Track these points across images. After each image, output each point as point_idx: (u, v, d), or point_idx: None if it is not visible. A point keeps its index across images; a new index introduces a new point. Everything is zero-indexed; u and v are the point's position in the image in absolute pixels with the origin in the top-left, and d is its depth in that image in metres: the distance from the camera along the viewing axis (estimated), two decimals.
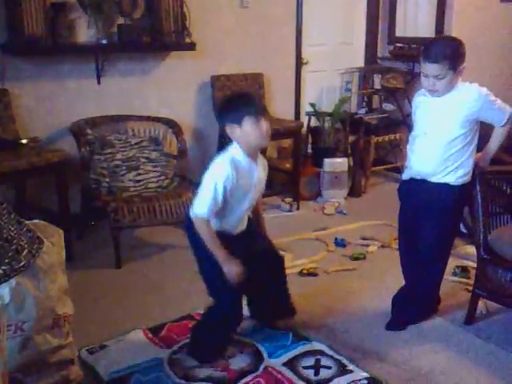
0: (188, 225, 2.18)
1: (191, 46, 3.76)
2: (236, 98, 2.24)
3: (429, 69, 2.26)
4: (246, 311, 2.42)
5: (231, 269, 2.10)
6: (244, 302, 2.36)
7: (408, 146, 2.53)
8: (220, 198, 2.07)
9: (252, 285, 2.30)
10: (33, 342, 1.47)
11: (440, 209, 2.41)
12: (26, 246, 0.99)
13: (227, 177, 2.07)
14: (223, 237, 2.16)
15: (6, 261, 0.93)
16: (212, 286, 2.24)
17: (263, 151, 4.16)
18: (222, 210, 2.13)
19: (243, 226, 2.29)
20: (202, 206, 2.08)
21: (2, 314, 1.32)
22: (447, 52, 2.24)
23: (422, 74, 2.32)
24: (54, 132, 3.52)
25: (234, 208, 2.17)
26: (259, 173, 2.21)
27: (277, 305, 2.50)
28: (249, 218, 2.34)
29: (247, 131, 2.09)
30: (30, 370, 1.46)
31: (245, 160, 2.14)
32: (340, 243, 3.51)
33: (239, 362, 2.30)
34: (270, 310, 2.51)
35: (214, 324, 2.27)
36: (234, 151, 2.14)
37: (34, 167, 2.96)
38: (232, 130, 2.11)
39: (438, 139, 2.35)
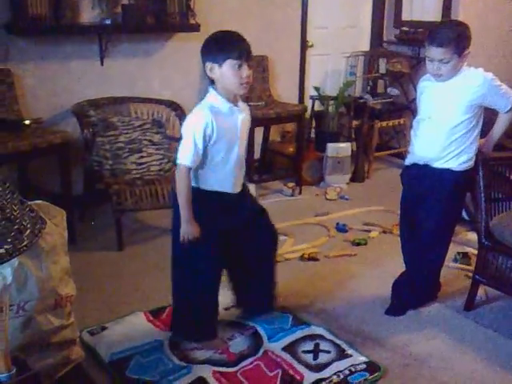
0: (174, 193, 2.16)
1: (195, 28, 3.73)
2: (222, 36, 2.04)
3: (434, 53, 2.25)
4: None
5: (188, 230, 2.05)
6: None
7: (412, 131, 2.52)
8: (201, 145, 1.99)
9: (239, 263, 2.32)
10: (35, 321, 1.48)
11: (442, 194, 2.41)
12: (28, 226, 0.99)
13: (206, 124, 1.98)
14: (221, 199, 2.11)
15: (9, 240, 0.93)
16: (184, 256, 2.16)
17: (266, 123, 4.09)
18: (211, 162, 2.06)
19: (239, 184, 2.17)
20: (183, 155, 2.02)
21: (4, 294, 1.33)
22: (453, 36, 2.22)
23: (426, 58, 2.31)
24: (57, 113, 3.51)
25: (224, 159, 2.07)
26: (243, 117, 2.10)
27: (261, 293, 2.43)
28: (243, 187, 2.24)
29: (226, 74, 1.98)
30: (32, 350, 1.47)
31: (225, 105, 2.04)
32: (341, 228, 3.52)
33: (239, 345, 2.31)
34: (254, 298, 2.44)
35: (194, 298, 2.21)
36: (212, 98, 2.04)
37: (36, 148, 2.96)
38: (211, 69, 2.00)
39: (442, 124, 2.34)
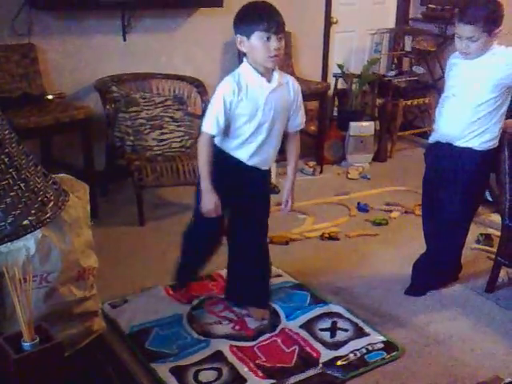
0: None
1: (219, 2, 3.68)
2: (251, 8, 1.99)
3: (463, 30, 2.19)
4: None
5: (208, 201, 2.05)
6: None
7: (437, 109, 2.48)
8: (222, 114, 1.98)
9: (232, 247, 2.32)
10: (58, 293, 1.50)
11: (463, 174, 2.37)
12: (51, 198, 1.00)
13: (231, 92, 1.96)
14: (235, 166, 2.08)
15: (33, 212, 0.94)
16: (196, 209, 2.23)
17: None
18: (232, 127, 2.03)
19: (262, 161, 2.11)
20: (207, 122, 2.02)
21: (27, 265, 1.36)
22: (483, 14, 2.15)
23: (455, 35, 2.25)
24: (79, 88, 3.52)
25: (247, 129, 2.03)
26: (274, 90, 2.03)
27: (252, 288, 2.36)
28: (266, 176, 2.22)
29: (254, 46, 1.94)
30: (55, 320, 1.49)
31: (253, 76, 2.00)
32: (363, 208, 3.49)
33: (256, 322, 2.33)
34: (244, 293, 2.38)
35: (186, 243, 2.39)
36: (242, 67, 2.02)
37: (59, 123, 2.98)
38: (241, 42, 1.98)
39: (467, 102, 2.30)
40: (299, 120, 2.18)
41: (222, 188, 2.09)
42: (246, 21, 1.96)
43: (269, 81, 2.02)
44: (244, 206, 2.19)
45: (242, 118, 2.02)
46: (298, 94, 2.14)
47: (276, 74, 2.04)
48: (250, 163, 2.10)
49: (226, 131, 2.05)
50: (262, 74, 2.01)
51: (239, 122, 2.03)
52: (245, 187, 2.14)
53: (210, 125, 2.01)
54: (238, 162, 2.09)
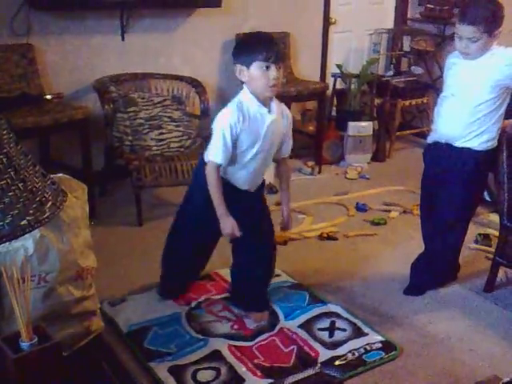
0: (198, 166, 2.24)
1: (217, 3, 3.69)
2: (250, 38, 2.07)
3: (463, 30, 2.19)
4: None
5: (227, 225, 2.07)
6: None
7: (435, 109, 2.48)
8: (230, 143, 2.01)
9: (236, 263, 2.35)
10: (56, 293, 1.50)
11: (462, 174, 2.38)
12: (50, 198, 1.00)
13: (236, 120, 1.99)
14: (229, 190, 2.10)
15: (31, 212, 0.94)
16: (178, 219, 2.34)
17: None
18: (232, 156, 2.07)
19: (253, 185, 2.18)
20: (214, 152, 2.03)
21: (26, 265, 1.36)
22: (484, 14, 2.16)
23: (455, 35, 2.25)
24: (78, 88, 3.52)
25: (244, 156, 2.08)
26: (273, 121, 2.06)
27: (252, 295, 2.38)
28: (260, 192, 2.26)
29: (253, 76, 1.98)
30: (54, 320, 1.49)
31: (254, 105, 2.03)
32: (361, 208, 3.50)
33: (257, 323, 2.33)
34: (245, 298, 2.40)
35: (169, 248, 2.42)
36: (243, 95, 2.04)
37: (57, 123, 2.98)
38: (240, 71, 2.01)
39: (466, 102, 2.30)
40: (289, 145, 2.24)
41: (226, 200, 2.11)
42: (246, 51, 2.00)
43: (269, 111, 2.05)
44: (245, 222, 2.17)
45: (241, 145, 2.05)
46: (291, 123, 2.20)
47: (273, 105, 2.07)
48: (246, 188, 2.17)
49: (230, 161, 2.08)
50: (261, 102, 2.04)
51: (238, 149, 2.07)
52: (243, 208, 2.16)
53: (218, 154, 2.03)
54: (233, 187, 2.14)
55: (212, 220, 2.10)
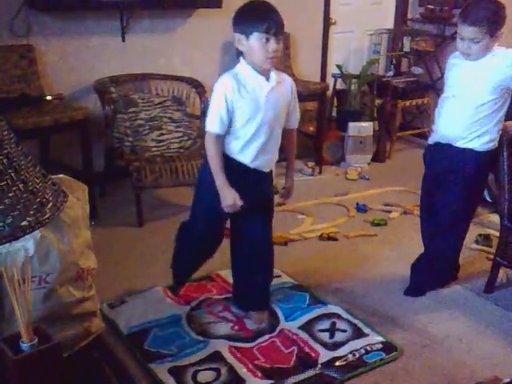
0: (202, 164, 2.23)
1: (217, 3, 3.69)
2: (251, 8, 1.98)
3: (465, 31, 2.19)
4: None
5: (227, 196, 2.03)
6: None
7: (436, 110, 2.48)
8: (224, 111, 1.97)
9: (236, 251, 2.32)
10: (56, 293, 1.50)
11: (463, 175, 2.38)
12: (50, 199, 0.99)
13: (230, 89, 1.95)
14: (239, 169, 2.06)
15: (31, 213, 0.94)
16: (195, 208, 2.30)
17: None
18: (233, 128, 2.02)
19: (263, 162, 2.10)
20: (210, 121, 2.01)
21: (27, 266, 1.35)
22: (486, 15, 2.15)
23: (457, 36, 2.25)
24: (78, 89, 3.52)
25: (245, 127, 2.02)
26: (273, 89, 2.01)
27: (253, 292, 2.34)
28: (270, 178, 2.20)
29: (252, 47, 1.93)
30: (54, 321, 1.49)
31: (251, 75, 1.98)
32: (361, 208, 3.50)
33: (255, 323, 2.33)
34: (245, 296, 2.37)
35: (181, 240, 2.39)
36: (240, 66, 2.01)
37: (58, 124, 2.98)
38: (239, 41, 1.96)
39: (467, 103, 2.30)
40: (296, 116, 2.20)
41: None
42: (245, 20, 1.94)
43: (267, 79, 2.01)
44: (248, 208, 2.14)
45: (242, 117, 2.01)
46: (295, 92, 2.15)
47: (273, 73, 2.03)
48: (252, 166, 2.09)
49: (228, 132, 2.04)
50: (259, 72, 2.00)
51: (240, 121, 2.01)
52: (248, 190, 2.10)
53: (214, 123, 1.99)
54: (241, 165, 2.08)
55: (221, 209, 2.09)
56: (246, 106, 1.99)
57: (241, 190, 2.07)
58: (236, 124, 2.02)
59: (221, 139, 2.03)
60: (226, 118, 1.98)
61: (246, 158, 2.07)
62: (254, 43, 1.92)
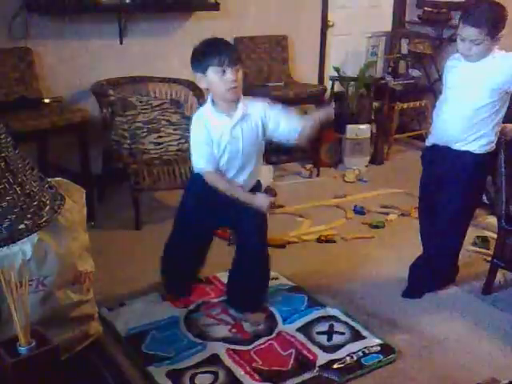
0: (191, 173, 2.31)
1: (215, 6, 3.70)
2: (203, 46, 2.05)
3: (467, 32, 2.19)
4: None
5: (261, 201, 2.11)
6: None
7: (434, 111, 2.48)
8: (209, 149, 2.06)
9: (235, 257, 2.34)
10: (54, 296, 1.50)
11: (461, 177, 2.38)
12: (48, 202, 1.00)
13: (204, 132, 2.05)
14: (213, 194, 2.13)
15: (29, 216, 0.94)
16: (174, 225, 2.38)
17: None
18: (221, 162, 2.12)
19: (242, 181, 2.17)
20: (200, 162, 2.10)
21: (24, 269, 1.35)
22: (488, 17, 2.16)
23: (458, 37, 2.25)
24: (76, 92, 3.52)
25: (221, 162, 2.11)
26: (236, 125, 2.06)
27: (247, 295, 2.37)
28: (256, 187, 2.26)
29: (211, 81, 2.01)
30: (52, 324, 1.49)
31: (212, 115, 2.06)
32: (359, 211, 3.50)
33: (253, 325, 2.33)
34: (240, 298, 2.39)
35: (170, 252, 2.43)
36: (205, 107, 2.11)
37: (56, 127, 2.98)
38: (199, 79, 2.05)
39: (466, 105, 2.30)
40: (290, 128, 2.13)
41: (212, 206, 2.18)
42: (199, 58, 2.02)
43: (231, 116, 2.06)
44: (238, 219, 2.21)
45: (217, 151, 2.09)
46: (266, 110, 2.12)
47: (240, 106, 2.07)
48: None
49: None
50: (224, 111, 2.06)
51: (227, 155, 2.10)
52: (234, 204, 2.15)
53: (206, 163, 2.08)
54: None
55: (202, 221, 2.20)
56: (215, 146, 2.07)
57: (226, 203, 2.13)
58: (223, 159, 2.12)
59: (215, 170, 2.11)
60: (213, 155, 2.07)
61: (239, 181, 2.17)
62: (212, 77, 2.00)
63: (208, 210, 2.21)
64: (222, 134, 2.07)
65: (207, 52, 2.01)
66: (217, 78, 1.98)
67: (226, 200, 2.13)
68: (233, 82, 1.98)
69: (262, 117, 2.12)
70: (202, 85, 2.06)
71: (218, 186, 2.09)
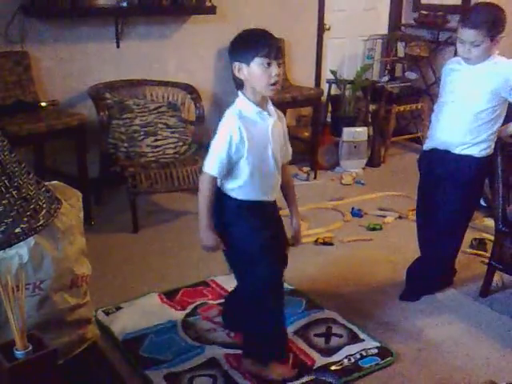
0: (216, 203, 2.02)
1: (212, 10, 3.70)
2: (249, 34, 1.91)
3: (466, 34, 2.20)
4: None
5: (209, 238, 1.94)
6: None
7: (433, 115, 2.48)
8: (225, 155, 1.88)
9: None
10: (51, 300, 1.49)
11: (461, 180, 2.38)
12: (44, 205, 0.99)
13: (236, 128, 1.86)
14: (262, 209, 1.99)
15: (25, 219, 0.94)
16: (242, 264, 2.03)
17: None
18: (248, 170, 1.92)
19: (275, 192, 2.04)
20: (209, 162, 1.92)
21: (20, 273, 1.35)
22: (486, 18, 2.17)
23: (458, 40, 2.26)
24: (73, 95, 3.52)
25: (258, 166, 1.93)
26: (274, 122, 1.94)
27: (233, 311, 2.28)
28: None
29: (255, 73, 1.84)
30: (48, 328, 1.48)
31: (254, 110, 1.90)
32: (357, 213, 3.50)
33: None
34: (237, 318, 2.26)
35: (253, 306, 2.03)
36: (241, 102, 1.91)
37: (53, 130, 2.98)
38: (239, 70, 1.87)
39: (466, 109, 2.30)
40: (289, 150, 2.13)
41: (265, 242, 1.98)
42: (245, 47, 1.88)
43: (269, 114, 1.94)
44: (276, 234, 2.07)
45: (256, 153, 1.92)
46: (286, 125, 2.08)
47: (271, 107, 1.96)
48: (272, 198, 2.03)
49: (240, 174, 1.93)
50: (259, 104, 1.92)
51: (255, 159, 1.92)
52: (273, 217, 2.07)
53: (213, 165, 1.89)
54: (262, 206, 2.01)
55: (267, 237, 1.98)
56: (255, 145, 1.90)
57: (269, 221, 2.01)
58: (249, 164, 1.92)
59: (216, 181, 1.94)
60: (226, 161, 1.89)
61: (265, 195, 2.01)
62: (256, 69, 1.85)
63: (260, 222, 1.99)
64: (260, 128, 1.91)
65: (256, 41, 1.85)
66: (260, 71, 1.84)
67: (267, 207, 2.01)
68: (276, 77, 1.84)
69: (284, 123, 2.05)
70: (241, 76, 1.88)
71: (202, 192, 1.93)
